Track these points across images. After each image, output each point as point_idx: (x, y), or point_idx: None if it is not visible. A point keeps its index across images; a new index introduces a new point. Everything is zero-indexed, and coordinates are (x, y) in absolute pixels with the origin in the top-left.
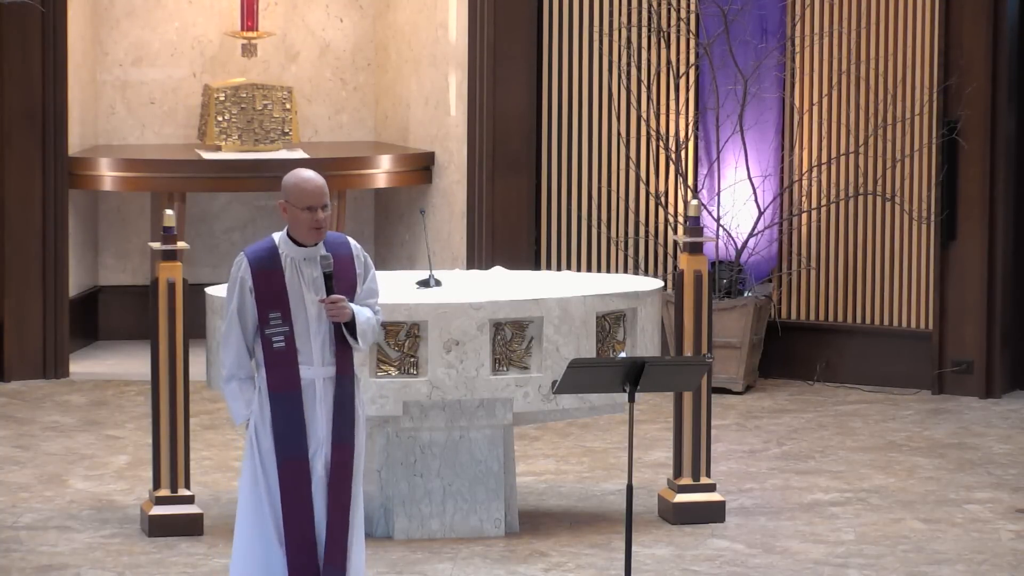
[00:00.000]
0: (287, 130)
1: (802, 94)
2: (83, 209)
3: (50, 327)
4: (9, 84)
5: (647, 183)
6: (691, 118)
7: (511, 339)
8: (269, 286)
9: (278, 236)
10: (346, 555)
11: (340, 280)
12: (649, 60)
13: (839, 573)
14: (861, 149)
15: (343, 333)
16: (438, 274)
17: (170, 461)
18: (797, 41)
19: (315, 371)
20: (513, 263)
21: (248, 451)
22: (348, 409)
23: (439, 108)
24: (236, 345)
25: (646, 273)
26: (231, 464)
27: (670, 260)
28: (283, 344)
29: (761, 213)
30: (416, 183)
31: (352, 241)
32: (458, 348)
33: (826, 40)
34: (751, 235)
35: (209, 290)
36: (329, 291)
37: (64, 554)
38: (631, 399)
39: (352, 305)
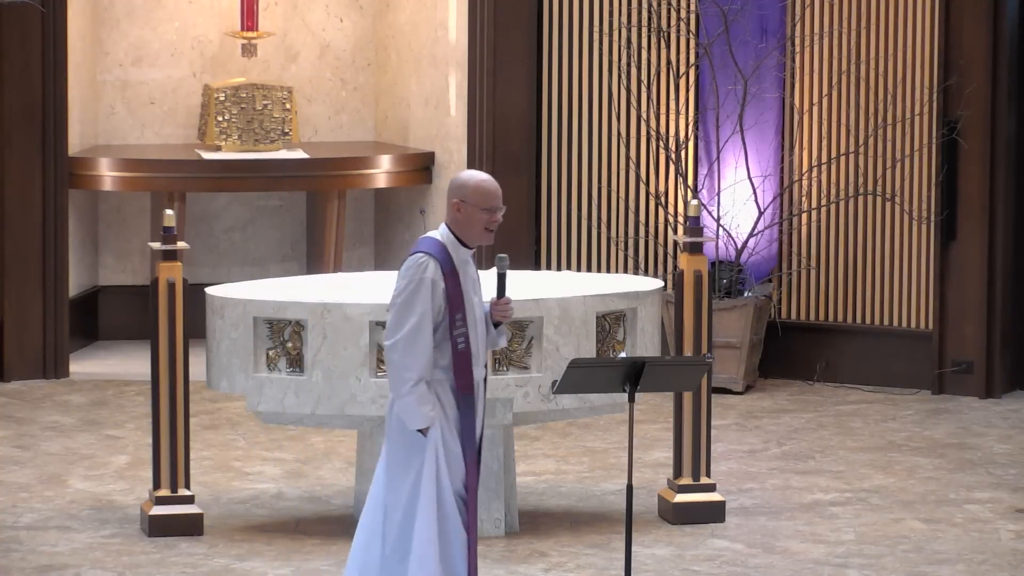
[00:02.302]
0: (287, 130)
1: (802, 94)
2: (83, 209)
3: (50, 327)
4: (9, 84)
5: (647, 183)
6: (691, 118)
7: (511, 339)
8: (454, 287)
9: (440, 236)
10: None
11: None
12: (649, 60)
13: (839, 573)
14: (861, 149)
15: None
16: None
17: (170, 461)
18: (797, 41)
19: (480, 372)
20: (513, 263)
21: (428, 454)
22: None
23: (439, 108)
24: (426, 348)
25: (646, 273)
26: (231, 464)
27: (670, 260)
28: (465, 345)
29: (761, 213)
30: (416, 183)
31: None
32: None
33: (826, 40)
34: (751, 235)
35: (209, 290)
36: (502, 292)
37: (64, 554)
38: (631, 399)
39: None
